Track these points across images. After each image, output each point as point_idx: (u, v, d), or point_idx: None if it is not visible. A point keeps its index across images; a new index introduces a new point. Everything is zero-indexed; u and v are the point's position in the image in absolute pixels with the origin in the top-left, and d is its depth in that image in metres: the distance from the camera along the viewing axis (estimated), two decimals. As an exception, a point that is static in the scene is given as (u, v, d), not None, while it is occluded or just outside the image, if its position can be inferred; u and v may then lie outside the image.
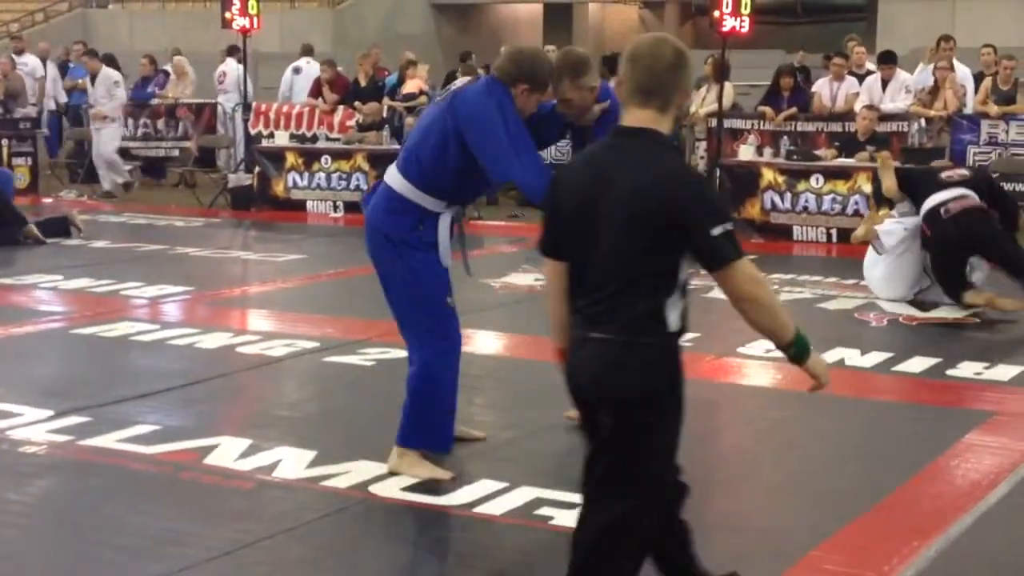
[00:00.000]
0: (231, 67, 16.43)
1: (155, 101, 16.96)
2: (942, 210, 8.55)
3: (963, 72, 13.39)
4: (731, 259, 3.17)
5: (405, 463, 5.11)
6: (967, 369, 6.86)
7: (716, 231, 3.14)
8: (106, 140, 15.65)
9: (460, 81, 5.30)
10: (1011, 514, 4.79)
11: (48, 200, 14.91)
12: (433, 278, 5.03)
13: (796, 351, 3.33)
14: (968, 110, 12.97)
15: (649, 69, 3.25)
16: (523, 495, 4.83)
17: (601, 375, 3.23)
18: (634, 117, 3.27)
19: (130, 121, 16.90)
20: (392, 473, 5.05)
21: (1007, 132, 12.64)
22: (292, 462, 5.20)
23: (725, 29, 12.35)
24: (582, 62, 5.15)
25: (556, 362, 3.46)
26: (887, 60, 13.61)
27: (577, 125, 5.33)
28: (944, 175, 8.94)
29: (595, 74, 5.24)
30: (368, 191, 5.39)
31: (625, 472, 3.31)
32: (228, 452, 5.33)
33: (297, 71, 16.80)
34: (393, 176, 5.09)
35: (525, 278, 9.71)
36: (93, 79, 15.86)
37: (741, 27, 12.35)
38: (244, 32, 14.84)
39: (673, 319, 3.22)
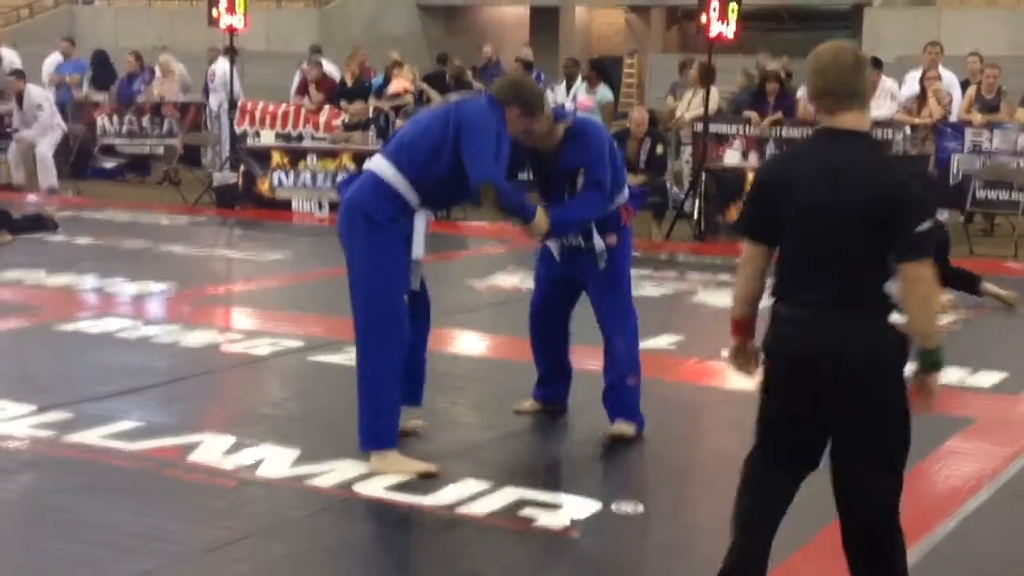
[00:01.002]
0: (222, 67, 16.40)
1: (141, 98, 16.91)
2: None
3: (949, 79, 13.44)
4: (922, 254, 3.54)
5: (386, 464, 5.12)
6: (949, 375, 6.87)
7: (924, 227, 3.54)
8: (45, 146, 15.41)
9: (458, 95, 5.52)
10: (992, 519, 4.82)
11: (31, 197, 14.83)
12: (396, 270, 5.13)
13: (935, 359, 3.60)
14: (953, 118, 13.02)
15: (843, 76, 3.63)
16: (506, 495, 4.84)
17: (858, 346, 3.53)
18: (844, 120, 3.63)
19: (115, 118, 16.85)
20: (376, 472, 5.05)
21: (991, 140, 12.70)
22: (275, 460, 5.20)
23: (712, 34, 12.39)
24: (537, 96, 5.42)
25: (735, 336, 3.79)
26: (873, 66, 13.64)
27: (537, 150, 5.57)
28: None
29: (547, 102, 5.61)
30: (346, 179, 5.47)
31: (891, 446, 3.61)
32: (211, 450, 5.32)
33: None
34: (381, 165, 5.17)
35: (510, 279, 9.72)
36: (19, 101, 15.47)
37: (729, 33, 12.38)
38: (231, 31, 14.82)
39: (893, 295, 3.59)
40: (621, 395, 5.76)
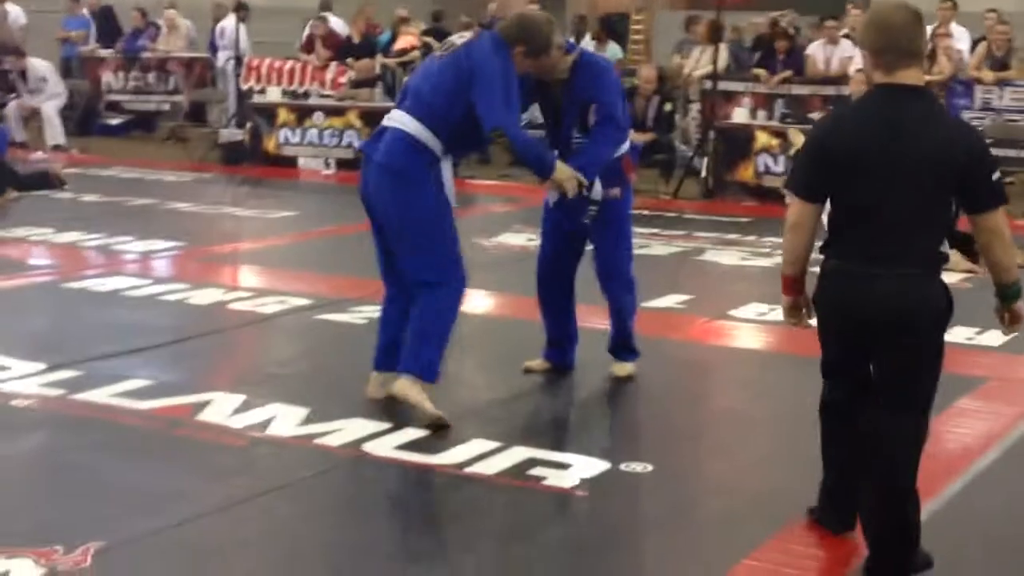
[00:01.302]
0: (231, 23, 16.31)
1: (146, 54, 16.84)
2: None
3: (960, 35, 13.35)
4: (1002, 200, 3.77)
5: (415, 392, 5.16)
6: (958, 334, 6.84)
7: (996, 175, 3.74)
8: (50, 107, 15.31)
9: (461, 36, 5.42)
10: (1002, 478, 4.82)
11: (39, 153, 14.80)
12: (450, 215, 5.24)
13: (1016, 290, 3.87)
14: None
15: (907, 33, 3.71)
16: (516, 455, 4.84)
17: (908, 304, 3.71)
18: (905, 76, 3.71)
19: (120, 74, 16.79)
20: (386, 431, 5.05)
21: (1001, 98, 12.63)
22: (285, 419, 5.20)
23: (721, -10, 12.30)
24: (545, 34, 5.33)
25: (789, 294, 3.96)
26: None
27: (547, 82, 5.53)
28: None
29: (559, 32, 5.50)
30: (371, 139, 5.42)
31: (921, 393, 3.82)
32: (221, 408, 5.32)
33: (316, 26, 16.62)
34: (402, 119, 5.20)
35: (518, 238, 9.70)
36: (23, 75, 15.40)
37: (737, -12, 12.30)
38: (236, -14, 14.73)
39: (945, 252, 3.86)
40: (627, 338, 5.97)
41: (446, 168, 5.26)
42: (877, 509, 3.85)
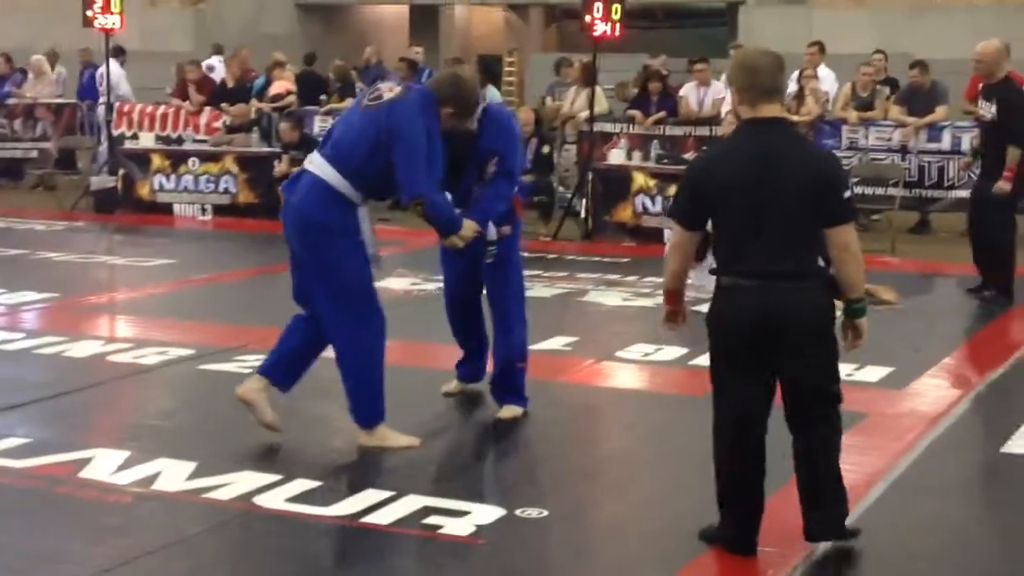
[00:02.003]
0: (112, 69, 16.01)
1: (12, 101, 16.43)
2: None
3: (826, 76, 13.74)
4: (852, 216, 4.26)
5: (377, 437, 5.42)
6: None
7: (847, 194, 4.22)
8: None
9: (388, 85, 5.51)
10: (889, 515, 4.91)
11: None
12: (364, 264, 5.36)
13: (862, 307, 4.29)
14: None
15: (770, 74, 4.24)
16: (410, 504, 4.80)
17: (804, 312, 4.17)
18: (769, 111, 4.23)
19: (-14, 120, 16.37)
20: (276, 483, 4.97)
21: (867, 137, 13.01)
22: (172, 474, 5.09)
23: (596, 33, 12.47)
24: (474, 99, 5.59)
25: (670, 303, 4.49)
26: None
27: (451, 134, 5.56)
28: None
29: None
30: (290, 180, 5.54)
31: (830, 392, 4.33)
32: (104, 465, 5.19)
33: (211, 69, 16.43)
34: (322, 167, 5.31)
35: (401, 282, 9.65)
36: None
37: (612, 32, 12.48)
38: (107, 32, 14.48)
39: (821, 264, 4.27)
40: (512, 379, 6.06)
41: (363, 215, 5.37)
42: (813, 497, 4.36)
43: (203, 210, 13.66)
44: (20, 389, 6.38)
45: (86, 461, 5.22)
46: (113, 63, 15.70)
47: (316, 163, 5.36)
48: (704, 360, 7.05)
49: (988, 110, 9.16)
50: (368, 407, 5.46)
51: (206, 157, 13.86)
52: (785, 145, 4.24)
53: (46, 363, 7.01)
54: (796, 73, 13.69)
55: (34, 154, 16.36)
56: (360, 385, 5.43)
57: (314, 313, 5.51)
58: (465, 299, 6.19)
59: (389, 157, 5.22)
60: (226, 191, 13.63)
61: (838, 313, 4.32)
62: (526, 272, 10.12)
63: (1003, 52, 9.13)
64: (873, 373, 6.94)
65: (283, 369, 5.60)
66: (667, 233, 11.98)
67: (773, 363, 4.22)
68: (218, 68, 16.43)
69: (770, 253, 4.14)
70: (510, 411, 6.05)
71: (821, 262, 4.28)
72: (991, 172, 9.14)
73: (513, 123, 6.06)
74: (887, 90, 13.41)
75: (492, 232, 5.79)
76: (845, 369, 6.84)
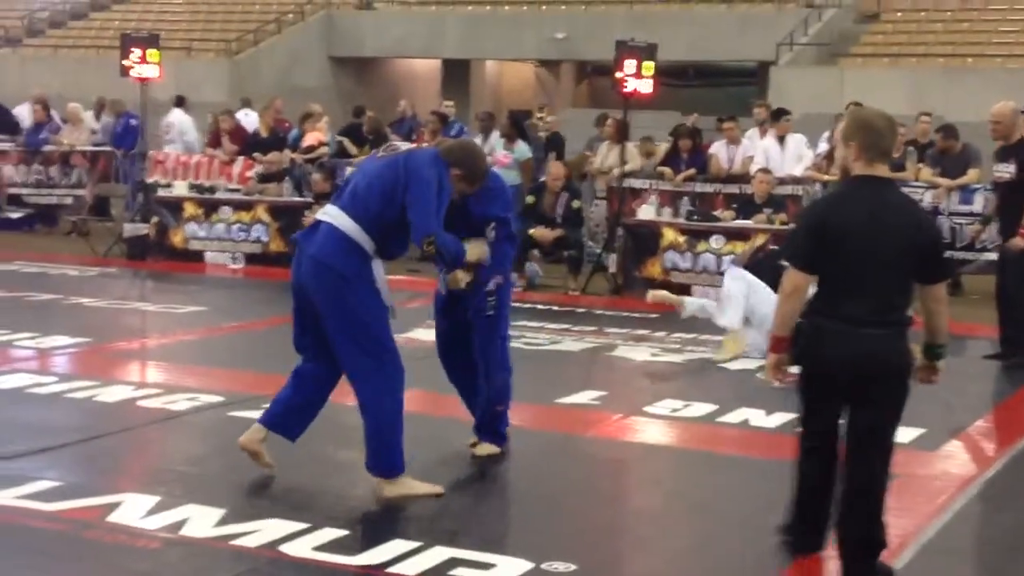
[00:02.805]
0: (178, 117, 16.26)
1: (48, 148, 16.64)
2: None
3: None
4: (950, 275, 4.82)
5: (399, 486, 5.44)
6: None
7: (945, 254, 4.56)
8: None
9: (403, 144, 5.85)
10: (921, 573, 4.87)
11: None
12: (381, 313, 5.44)
13: (944, 351, 4.72)
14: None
15: (889, 136, 4.62)
16: (436, 555, 4.79)
17: (892, 359, 4.54)
18: (879, 170, 4.59)
19: (23, 167, 16.57)
20: (304, 532, 4.97)
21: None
22: (200, 520, 5.09)
23: (627, 90, 12.55)
24: (483, 169, 5.85)
25: (778, 351, 4.64)
26: (779, 116, 13.95)
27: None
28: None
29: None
30: (307, 231, 5.64)
31: (888, 432, 4.63)
32: (133, 509, 5.20)
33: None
34: (338, 217, 5.42)
35: (429, 333, 9.64)
36: None
37: (643, 89, 12.56)
38: (143, 81, 14.66)
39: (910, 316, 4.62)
40: (492, 421, 6.21)
41: (378, 267, 5.46)
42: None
43: (234, 258, 13.76)
44: (51, 432, 6.42)
45: (115, 505, 5.23)
46: (180, 112, 15.97)
47: (332, 214, 5.46)
48: (732, 417, 7.15)
49: (1005, 170, 9.21)
50: (387, 455, 5.47)
51: (238, 206, 13.97)
52: (898, 204, 4.63)
53: (77, 407, 7.05)
54: (827, 133, 13.74)
55: (69, 200, 16.54)
56: (379, 431, 5.46)
57: (316, 365, 5.63)
58: (456, 347, 6.28)
59: (401, 205, 5.36)
60: (257, 240, 13.73)
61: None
62: (554, 325, 10.27)
63: (1018, 113, 9.23)
64: (905, 434, 6.86)
65: (289, 420, 5.71)
66: (696, 290, 12.04)
67: (852, 399, 4.57)
68: (245, 121, 16.61)
69: (869, 301, 4.49)
70: (486, 449, 6.23)
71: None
72: (1008, 231, 9.17)
73: (505, 187, 6.28)
74: (915, 152, 13.41)
75: (492, 284, 6.04)
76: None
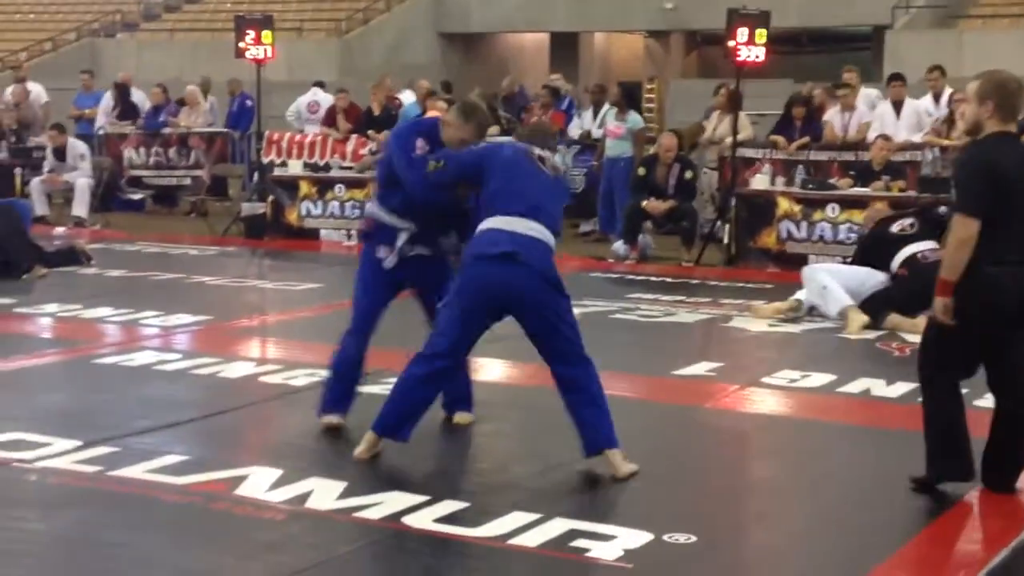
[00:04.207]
0: (321, 97, 16.53)
1: (167, 130, 16.99)
2: (919, 255, 9.04)
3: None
4: None
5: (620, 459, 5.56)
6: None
7: None
8: (84, 181, 15.37)
9: (548, 155, 5.84)
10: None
11: (61, 229, 14.90)
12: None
13: None
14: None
15: (1017, 96, 5.04)
16: (557, 527, 4.80)
17: None
18: (1012, 127, 5.04)
19: (142, 150, 16.96)
20: (425, 504, 5.03)
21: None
22: (323, 493, 5.18)
23: (740, 59, 12.39)
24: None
25: (946, 295, 4.98)
26: (896, 80, 13.64)
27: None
28: (895, 229, 9.57)
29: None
30: (517, 243, 5.52)
31: None
32: (258, 483, 5.30)
33: (316, 104, 16.82)
34: (546, 234, 5.56)
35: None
36: (57, 152, 15.41)
37: (756, 57, 12.39)
38: (258, 62, 14.88)
39: None
40: (465, 387, 6.22)
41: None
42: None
43: (348, 235, 13.93)
44: (177, 408, 6.58)
45: (241, 479, 5.34)
46: (320, 92, 16.29)
47: (539, 231, 5.50)
48: (853, 388, 7.04)
49: None
50: (610, 431, 5.54)
51: (351, 184, 14.12)
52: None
53: (201, 383, 7.21)
54: (947, 96, 13.41)
55: (187, 181, 16.89)
56: (604, 410, 5.53)
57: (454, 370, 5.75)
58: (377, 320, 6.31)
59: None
60: (371, 217, 13.86)
61: None
62: (667, 297, 10.21)
63: None
64: None
65: (405, 424, 5.62)
66: (812, 259, 11.87)
67: (1004, 343, 5.05)
68: (323, 102, 16.67)
69: None
70: (464, 418, 6.29)
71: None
72: None
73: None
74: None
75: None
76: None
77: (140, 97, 17.90)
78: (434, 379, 5.61)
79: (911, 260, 9.11)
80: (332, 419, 6.16)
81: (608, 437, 5.50)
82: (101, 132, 17.43)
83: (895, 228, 9.60)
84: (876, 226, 10.07)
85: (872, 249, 9.68)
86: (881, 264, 9.36)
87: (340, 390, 6.18)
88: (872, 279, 9.30)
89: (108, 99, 17.77)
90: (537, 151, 5.70)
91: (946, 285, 4.98)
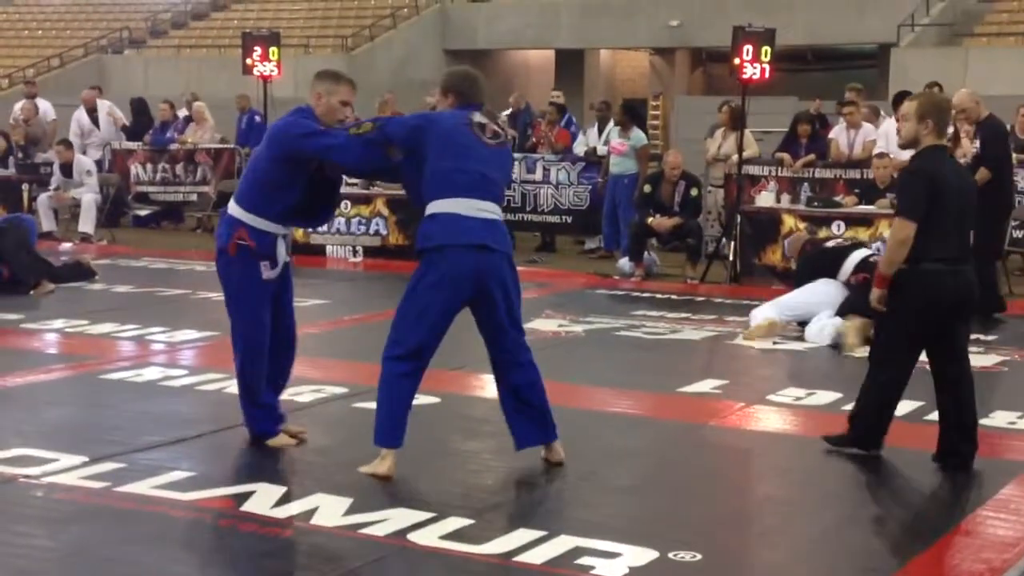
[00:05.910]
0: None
1: (174, 146, 17.05)
2: (871, 259, 9.24)
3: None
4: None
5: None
6: (1000, 419, 6.84)
7: None
8: (90, 197, 15.41)
9: (496, 118, 5.98)
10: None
11: (67, 244, 14.94)
12: None
13: None
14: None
15: (948, 114, 5.93)
16: (562, 544, 4.81)
17: (976, 289, 5.87)
18: (943, 141, 5.83)
19: (149, 166, 17.01)
20: (430, 521, 5.04)
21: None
22: (328, 509, 5.19)
23: (745, 76, 12.42)
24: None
25: (883, 287, 5.77)
26: (901, 99, 13.65)
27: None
28: (831, 244, 10.21)
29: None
30: (482, 231, 5.60)
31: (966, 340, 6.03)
32: (264, 499, 5.31)
33: None
34: (497, 210, 5.66)
35: (549, 324, 9.71)
36: (64, 169, 15.47)
37: (760, 75, 12.42)
38: (265, 79, 14.94)
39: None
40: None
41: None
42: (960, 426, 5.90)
43: (354, 251, 13.96)
44: (183, 424, 6.59)
45: (247, 495, 5.35)
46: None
47: (492, 210, 5.57)
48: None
49: None
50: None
51: (357, 200, 14.16)
52: (960, 166, 6.09)
53: (207, 399, 7.22)
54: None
55: (194, 197, 16.94)
56: (546, 400, 5.82)
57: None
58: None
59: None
60: (377, 233, 13.91)
61: None
62: (673, 314, 10.23)
63: None
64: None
65: (401, 430, 5.69)
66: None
67: (946, 330, 5.78)
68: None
69: (960, 245, 5.72)
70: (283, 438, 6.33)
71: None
72: None
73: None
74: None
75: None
76: (1008, 416, 6.81)
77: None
78: (398, 381, 5.72)
79: (866, 265, 9.19)
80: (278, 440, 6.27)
81: (553, 431, 5.85)
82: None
83: (831, 243, 10.07)
84: (810, 246, 10.33)
85: (819, 262, 9.80)
86: (829, 276, 9.54)
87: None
88: (827, 287, 9.43)
89: (79, 119, 17.64)
90: (477, 118, 5.61)
91: (882, 279, 5.78)
